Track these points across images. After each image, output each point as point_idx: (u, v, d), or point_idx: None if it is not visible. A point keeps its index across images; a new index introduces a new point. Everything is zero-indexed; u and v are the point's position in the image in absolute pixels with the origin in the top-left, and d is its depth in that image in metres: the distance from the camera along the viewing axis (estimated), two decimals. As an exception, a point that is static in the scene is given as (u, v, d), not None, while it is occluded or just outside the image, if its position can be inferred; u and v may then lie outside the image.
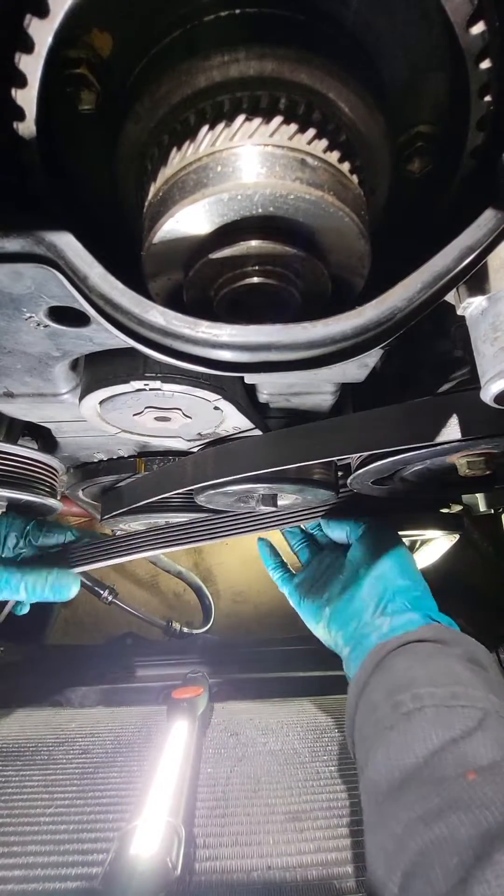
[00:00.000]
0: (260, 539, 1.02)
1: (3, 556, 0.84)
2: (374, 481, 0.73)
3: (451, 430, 0.52)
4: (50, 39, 0.26)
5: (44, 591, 0.78)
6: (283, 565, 0.98)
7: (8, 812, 0.67)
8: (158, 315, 0.32)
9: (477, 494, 1.04)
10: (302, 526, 0.98)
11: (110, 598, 1.31)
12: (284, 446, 0.62)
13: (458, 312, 0.36)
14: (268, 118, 0.28)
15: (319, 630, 0.81)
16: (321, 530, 0.94)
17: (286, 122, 0.28)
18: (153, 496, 0.77)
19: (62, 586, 0.79)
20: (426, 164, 0.35)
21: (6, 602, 0.88)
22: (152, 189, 0.31)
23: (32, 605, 0.91)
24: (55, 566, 0.81)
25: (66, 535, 0.89)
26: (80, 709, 1.04)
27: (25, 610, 0.90)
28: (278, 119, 0.28)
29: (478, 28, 0.27)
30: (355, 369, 0.51)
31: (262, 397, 0.63)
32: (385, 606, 0.71)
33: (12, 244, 0.32)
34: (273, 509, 0.82)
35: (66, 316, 0.39)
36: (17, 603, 0.91)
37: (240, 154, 0.29)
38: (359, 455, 0.67)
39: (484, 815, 0.40)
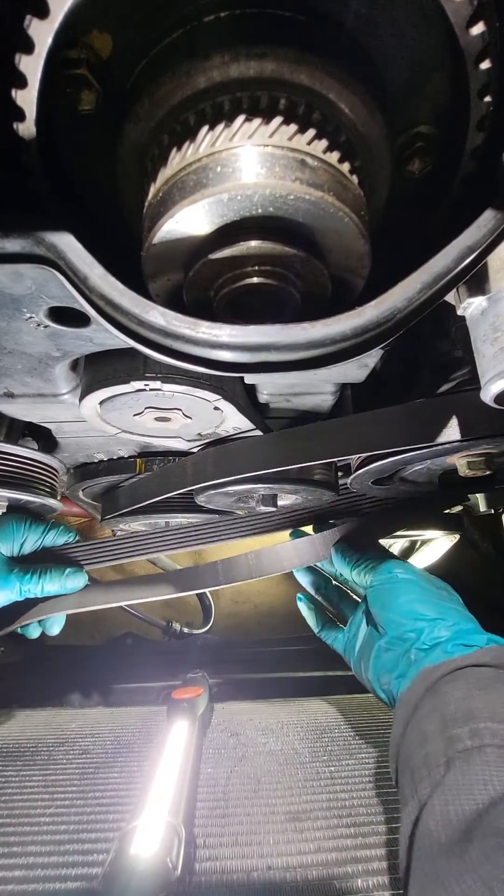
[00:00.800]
0: (300, 596, 0.92)
1: (19, 557, 0.86)
2: (374, 481, 0.73)
3: (452, 431, 0.52)
4: (50, 40, 0.26)
5: (60, 588, 0.84)
6: (330, 622, 0.87)
7: (8, 812, 0.67)
8: (158, 315, 0.32)
9: (477, 494, 1.04)
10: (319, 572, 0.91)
11: (110, 598, 1.31)
12: (286, 447, 0.62)
13: (459, 313, 0.36)
14: (267, 119, 0.28)
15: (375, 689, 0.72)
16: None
17: (286, 122, 0.28)
18: (154, 497, 0.77)
19: (75, 584, 0.86)
20: (426, 164, 0.35)
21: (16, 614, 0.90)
22: (152, 189, 0.31)
23: (31, 605, 0.93)
24: (66, 565, 0.86)
25: (72, 536, 0.91)
26: (81, 709, 1.04)
27: (37, 634, 0.91)
28: (278, 119, 0.28)
29: (478, 29, 0.27)
30: (355, 369, 0.51)
31: (262, 398, 0.63)
32: (427, 637, 0.65)
33: (13, 244, 0.32)
34: (273, 510, 0.82)
35: (66, 316, 0.39)
36: (26, 625, 0.92)
37: (239, 154, 0.29)
38: (358, 455, 0.67)
39: None
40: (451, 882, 0.42)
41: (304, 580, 0.91)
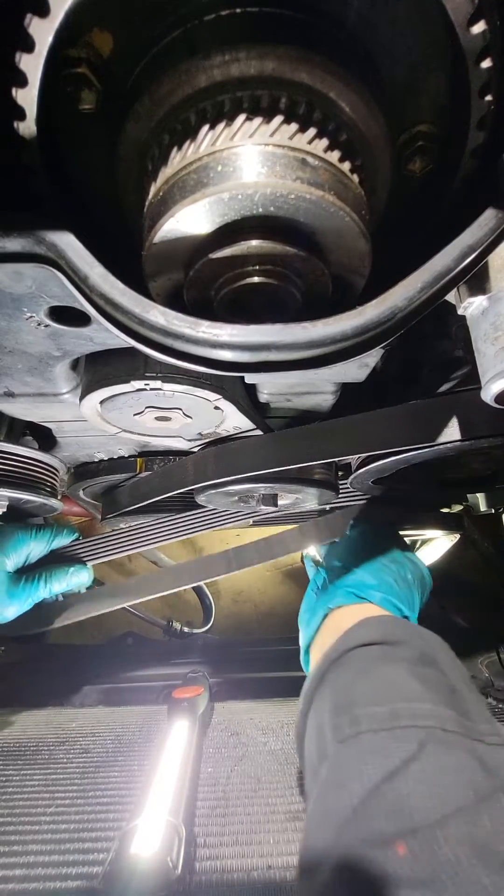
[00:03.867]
0: (305, 555, 0.98)
1: (27, 564, 0.89)
2: (374, 480, 0.73)
3: (452, 430, 0.52)
4: (50, 39, 0.26)
5: (67, 586, 0.89)
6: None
7: (9, 811, 0.67)
8: (159, 315, 0.32)
9: (477, 494, 1.04)
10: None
11: (111, 597, 1.31)
12: (286, 447, 0.62)
13: (459, 312, 0.36)
14: (268, 118, 0.28)
15: None
16: None
17: (287, 121, 0.28)
18: (154, 496, 0.77)
19: (81, 581, 0.91)
20: (427, 163, 0.35)
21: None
22: (153, 188, 0.31)
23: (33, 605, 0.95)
24: (70, 563, 0.91)
25: (74, 535, 0.94)
26: (81, 708, 1.04)
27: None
28: (279, 118, 0.28)
29: (478, 27, 0.27)
30: (356, 369, 0.51)
31: (263, 397, 0.63)
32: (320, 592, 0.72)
33: (13, 244, 0.32)
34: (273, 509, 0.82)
35: (66, 316, 0.39)
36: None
37: (240, 154, 0.29)
38: (358, 455, 0.67)
39: None
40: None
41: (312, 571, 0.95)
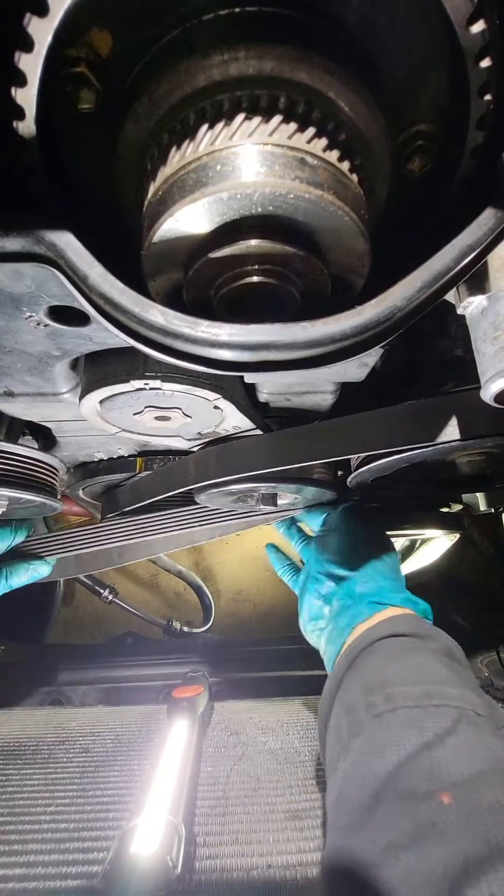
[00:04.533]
0: (268, 545, 1.01)
1: None
2: (374, 480, 0.73)
3: (452, 430, 0.52)
4: (49, 38, 0.26)
5: (28, 579, 0.94)
6: (292, 568, 0.95)
7: (8, 811, 0.67)
8: (158, 314, 0.32)
9: (477, 494, 1.04)
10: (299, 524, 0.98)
11: (111, 597, 1.32)
12: (286, 446, 0.62)
13: (459, 311, 0.36)
14: (267, 117, 0.28)
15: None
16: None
17: (285, 120, 0.28)
18: (155, 496, 0.77)
19: (41, 574, 0.95)
20: (426, 163, 0.35)
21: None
22: (152, 188, 0.31)
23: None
24: (30, 559, 0.96)
25: (30, 531, 0.98)
26: (81, 708, 1.04)
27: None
28: (278, 118, 0.28)
29: (478, 27, 0.27)
30: (355, 369, 0.51)
31: (262, 397, 0.63)
32: (347, 599, 0.71)
33: (12, 244, 0.32)
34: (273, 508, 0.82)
35: (66, 315, 0.39)
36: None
37: (239, 153, 0.29)
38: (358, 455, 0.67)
39: (456, 847, 0.37)
40: (359, 847, 0.41)
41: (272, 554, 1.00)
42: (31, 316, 0.39)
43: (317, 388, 0.59)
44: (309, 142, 0.29)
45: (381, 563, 0.76)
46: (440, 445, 0.54)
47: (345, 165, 0.30)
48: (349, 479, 0.73)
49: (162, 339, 0.33)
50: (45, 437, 0.72)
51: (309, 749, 0.77)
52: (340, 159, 0.30)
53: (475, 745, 0.45)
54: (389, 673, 0.54)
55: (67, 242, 0.31)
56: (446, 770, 0.43)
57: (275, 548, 0.99)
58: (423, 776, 0.43)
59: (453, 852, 0.37)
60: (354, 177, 0.31)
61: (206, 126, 0.29)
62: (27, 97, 0.28)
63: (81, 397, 0.54)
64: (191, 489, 0.74)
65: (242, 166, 0.28)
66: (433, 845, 0.38)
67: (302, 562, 0.94)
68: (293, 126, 0.28)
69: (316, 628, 0.74)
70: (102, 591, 1.30)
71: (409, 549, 1.42)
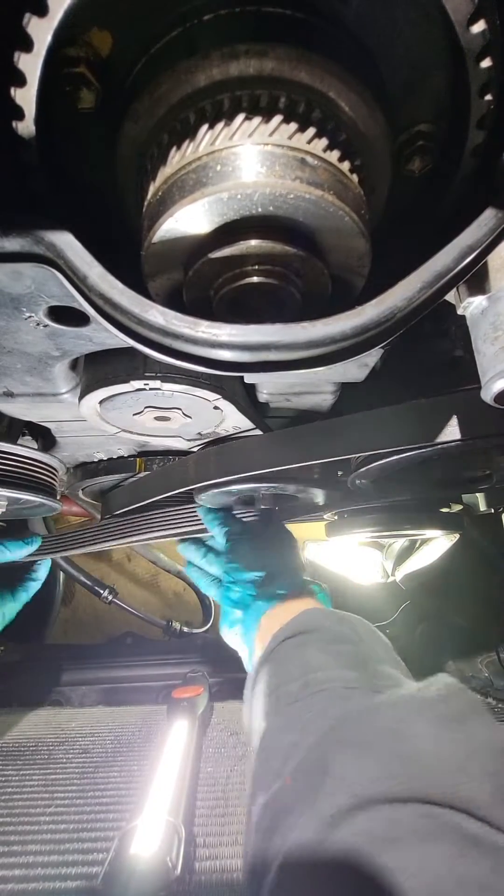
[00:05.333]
0: (189, 564, 1.00)
1: None
2: (374, 481, 0.73)
3: (452, 430, 0.52)
4: (49, 38, 0.26)
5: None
6: (215, 581, 0.95)
7: (8, 811, 0.67)
8: (158, 315, 0.31)
9: (477, 494, 1.04)
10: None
11: (110, 597, 1.31)
12: (286, 446, 0.62)
13: (459, 312, 0.36)
14: (267, 117, 0.28)
15: None
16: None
17: (286, 121, 0.28)
18: (154, 496, 0.77)
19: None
20: (426, 163, 0.35)
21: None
22: (152, 188, 0.31)
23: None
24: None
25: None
26: (80, 708, 1.04)
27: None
28: (278, 118, 0.28)
29: (478, 27, 0.27)
30: (355, 369, 0.51)
31: (262, 397, 0.63)
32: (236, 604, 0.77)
33: (12, 244, 0.31)
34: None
35: (65, 316, 0.39)
36: None
37: (239, 153, 0.28)
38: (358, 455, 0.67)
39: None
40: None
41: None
42: (30, 316, 0.39)
43: (317, 388, 0.59)
44: (309, 142, 0.29)
45: (281, 561, 0.82)
46: (440, 446, 0.54)
47: (345, 166, 0.30)
48: (349, 479, 0.73)
49: (162, 340, 0.33)
50: (44, 437, 0.72)
51: (309, 749, 0.77)
52: (341, 159, 0.30)
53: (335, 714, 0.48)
54: (279, 676, 0.58)
55: (67, 242, 0.31)
56: (298, 750, 0.47)
57: (195, 566, 1.00)
58: (288, 764, 0.46)
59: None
60: (355, 177, 0.31)
61: (206, 126, 0.29)
62: (27, 97, 0.28)
63: (81, 397, 0.54)
64: (190, 489, 0.74)
65: (242, 166, 0.28)
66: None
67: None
68: (293, 126, 0.28)
69: (234, 634, 0.78)
70: (102, 592, 1.30)
71: (410, 549, 1.42)
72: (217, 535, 0.90)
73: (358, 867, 0.34)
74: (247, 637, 0.74)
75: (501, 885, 0.31)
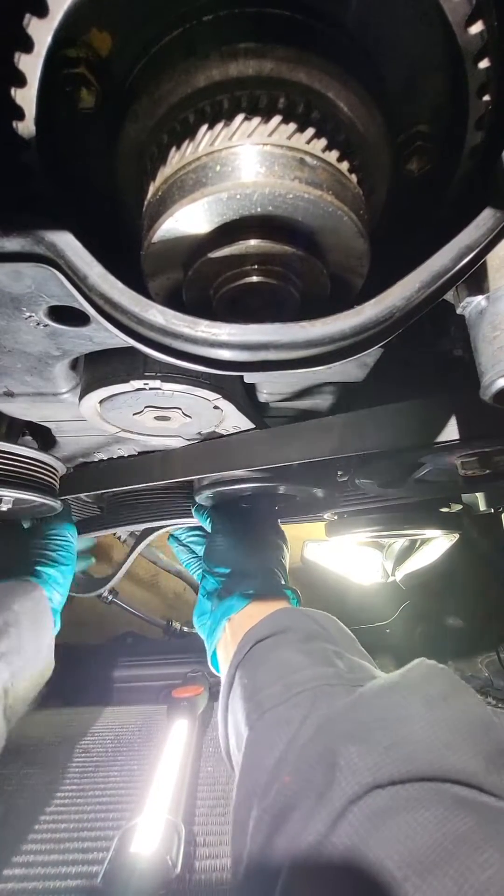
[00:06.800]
0: (170, 536, 1.06)
1: None
2: (381, 483, 0.73)
3: (451, 430, 0.52)
4: (49, 39, 0.26)
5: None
6: (197, 560, 1.02)
7: (8, 811, 0.67)
8: (158, 314, 0.32)
9: (477, 494, 1.04)
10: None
11: (111, 597, 1.31)
12: (285, 444, 0.62)
13: (458, 312, 0.36)
14: (266, 117, 0.28)
15: None
16: None
17: (285, 121, 0.28)
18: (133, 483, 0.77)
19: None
20: (425, 163, 0.35)
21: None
22: (152, 188, 0.31)
23: None
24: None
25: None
26: (81, 708, 1.04)
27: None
28: (277, 118, 0.28)
29: (476, 28, 0.27)
30: (355, 368, 0.51)
31: (262, 397, 0.63)
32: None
33: (12, 244, 0.32)
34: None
35: (65, 315, 0.39)
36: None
37: (239, 153, 0.29)
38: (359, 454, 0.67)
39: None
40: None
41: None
42: (30, 316, 0.39)
43: (316, 387, 0.59)
44: (308, 142, 0.29)
45: (256, 561, 0.83)
46: (439, 445, 0.54)
47: (344, 166, 0.30)
48: (349, 479, 0.73)
49: (161, 339, 0.33)
50: (44, 437, 0.72)
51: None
52: (339, 159, 0.30)
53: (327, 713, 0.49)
54: (258, 680, 0.58)
55: (67, 242, 0.31)
56: (296, 750, 0.47)
57: (176, 540, 1.05)
58: (289, 769, 0.47)
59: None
60: (353, 177, 0.31)
61: (205, 126, 0.29)
62: (27, 98, 0.28)
63: (81, 397, 0.54)
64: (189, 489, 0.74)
65: (242, 166, 0.28)
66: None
67: None
68: (292, 126, 0.28)
69: (202, 623, 0.80)
70: (102, 592, 1.30)
71: (409, 549, 1.42)
72: (205, 527, 0.93)
73: (356, 861, 0.36)
74: (211, 632, 0.76)
75: (485, 835, 0.33)
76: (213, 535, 0.90)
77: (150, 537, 1.07)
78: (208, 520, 0.92)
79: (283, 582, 0.81)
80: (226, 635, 0.74)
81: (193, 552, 1.02)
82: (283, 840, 0.42)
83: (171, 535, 1.05)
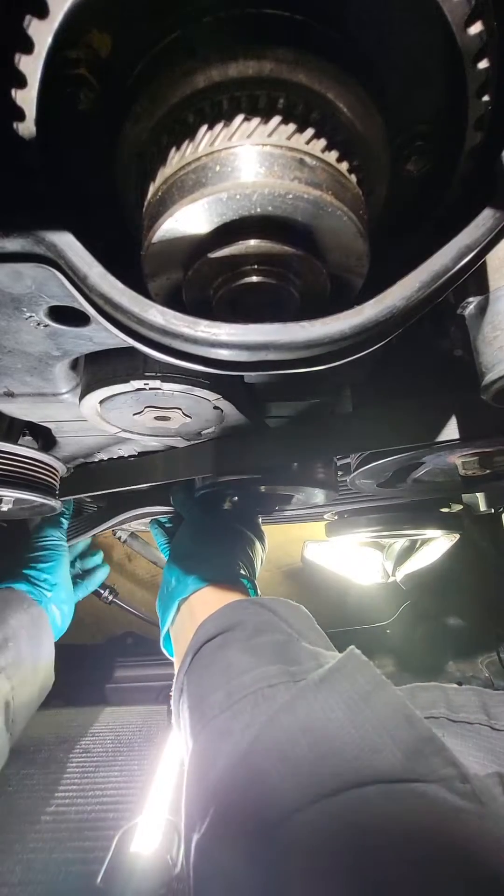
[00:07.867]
0: (151, 521, 1.09)
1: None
2: (380, 483, 0.73)
3: (451, 430, 0.52)
4: (49, 40, 0.26)
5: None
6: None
7: (9, 811, 0.67)
8: (158, 314, 0.32)
9: (477, 494, 1.04)
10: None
11: (111, 597, 1.31)
12: (284, 444, 0.62)
13: (458, 311, 0.36)
14: (266, 118, 0.28)
15: None
16: None
17: (284, 121, 0.28)
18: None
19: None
20: (424, 163, 0.35)
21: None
22: (151, 189, 0.31)
23: None
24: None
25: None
26: (81, 708, 1.04)
27: None
28: (276, 119, 0.28)
29: (475, 28, 0.27)
30: (354, 369, 0.51)
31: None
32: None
33: (12, 244, 0.32)
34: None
35: (66, 315, 0.39)
36: None
37: (238, 154, 0.29)
38: (359, 454, 0.67)
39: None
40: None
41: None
42: (31, 316, 0.39)
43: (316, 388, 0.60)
44: (308, 142, 0.29)
45: (221, 548, 0.85)
46: (439, 445, 0.54)
47: (343, 166, 0.30)
48: (348, 479, 0.73)
49: (161, 339, 0.33)
50: (45, 437, 0.72)
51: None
52: (339, 160, 0.30)
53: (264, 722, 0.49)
54: (203, 687, 0.58)
55: (67, 243, 0.31)
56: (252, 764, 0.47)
57: (158, 524, 1.07)
58: (229, 787, 0.47)
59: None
60: (353, 177, 0.31)
61: (205, 127, 0.29)
62: (27, 98, 0.28)
63: (81, 397, 0.54)
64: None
65: (241, 167, 0.29)
66: None
67: None
68: (292, 127, 0.28)
69: (162, 607, 0.82)
70: (102, 592, 1.30)
71: (410, 550, 1.42)
72: (182, 514, 0.96)
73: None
74: (164, 614, 0.78)
75: (409, 819, 0.36)
76: (185, 522, 0.93)
77: (133, 512, 1.07)
78: (182, 506, 0.95)
79: (243, 573, 0.81)
80: (180, 618, 0.75)
81: (169, 537, 1.05)
82: (217, 880, 0.42)
83: (153, 520, 1.08)
